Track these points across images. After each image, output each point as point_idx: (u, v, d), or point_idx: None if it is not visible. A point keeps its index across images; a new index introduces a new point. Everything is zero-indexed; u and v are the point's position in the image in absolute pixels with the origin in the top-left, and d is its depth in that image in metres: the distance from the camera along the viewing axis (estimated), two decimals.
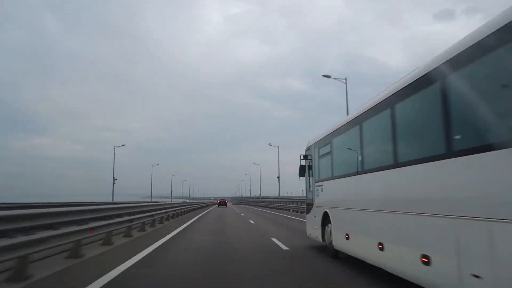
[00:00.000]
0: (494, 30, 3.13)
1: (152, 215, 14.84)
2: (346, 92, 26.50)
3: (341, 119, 7.98)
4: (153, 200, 59.91)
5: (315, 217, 9.03)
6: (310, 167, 9.68)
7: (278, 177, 59.32)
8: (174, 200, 67.29)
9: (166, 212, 18.65)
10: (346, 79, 26.70)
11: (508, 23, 2.96)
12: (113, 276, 5.60)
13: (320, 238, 8.58)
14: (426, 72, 4.20)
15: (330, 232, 7.87)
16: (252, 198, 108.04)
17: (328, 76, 26.88)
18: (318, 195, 8.89)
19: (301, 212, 26.55)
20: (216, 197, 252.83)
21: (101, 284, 5.08)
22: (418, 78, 4.37)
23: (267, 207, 49.47)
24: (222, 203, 71.40)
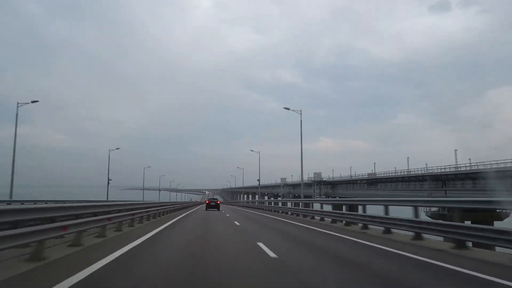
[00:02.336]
0: None
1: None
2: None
3: None
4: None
5: None
6: None
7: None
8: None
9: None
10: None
11: None
12: None
13: None
14: None
15: None
16: (245, 188, 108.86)
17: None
18: None
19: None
20: (204, 189, 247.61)
21: None
22: None
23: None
24: (212, 204, 42.95)
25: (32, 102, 37.10)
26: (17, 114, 35.68)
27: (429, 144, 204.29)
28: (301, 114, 34.52)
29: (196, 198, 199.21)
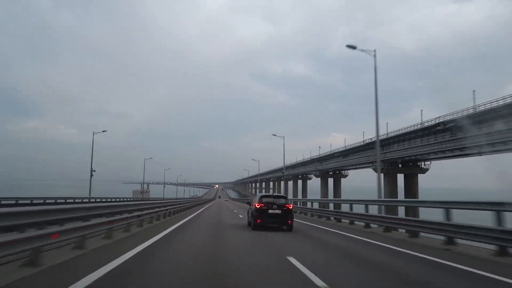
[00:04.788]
0: None
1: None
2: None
3: None
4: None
5: None
6: None
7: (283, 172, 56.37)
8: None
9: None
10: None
11: None
12: None
13: None
14: None
15: None
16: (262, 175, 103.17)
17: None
18: None
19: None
20: (213, 183, 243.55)
21: None
22: None
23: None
24: (272, 213, 13.82)
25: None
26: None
27: None
28: (375, 55, 21.33)
29: (198, 192, 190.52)
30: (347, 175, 79.04)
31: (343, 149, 68.73)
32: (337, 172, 78.39)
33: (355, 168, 71.00)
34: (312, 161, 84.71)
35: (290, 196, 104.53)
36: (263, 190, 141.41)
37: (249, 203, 16.77)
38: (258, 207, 13.71)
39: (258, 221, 13.59)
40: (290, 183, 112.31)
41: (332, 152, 72.90)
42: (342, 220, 20.01)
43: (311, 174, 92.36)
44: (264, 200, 14.11)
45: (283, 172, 70.25)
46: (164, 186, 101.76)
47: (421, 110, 46.54)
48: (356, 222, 17.80)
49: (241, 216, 22.99)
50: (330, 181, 79.93)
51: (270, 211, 13.65)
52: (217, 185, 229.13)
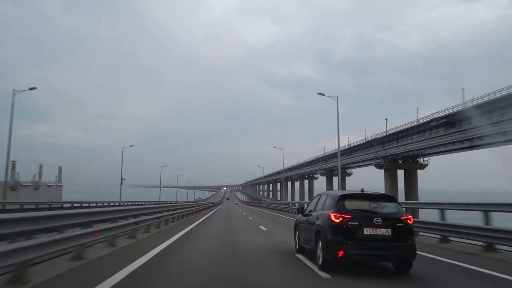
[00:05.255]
0: None
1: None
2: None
3: None
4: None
5: None
6: None
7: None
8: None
9: None
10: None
11: None
12: None
13: None
14: None
15: None
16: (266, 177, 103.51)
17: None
18: None
19: None
20: (222, 186, 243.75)
21: None
22: None
23: None
24: None
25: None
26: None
27: None
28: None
29: (203, 195, 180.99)
30: (351, 173, 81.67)
31: (347, 147, 71.31)
32: (341, 170, 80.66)
33: (359, 166, 73.44)
34: (317, 160, 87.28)
35: (296, 197, 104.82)
36: (271, 193, 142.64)
37: (295, 210, 11.38)
38: (336, 222, 6.62)
39: (340, 253, 6.47)
40: (297, 184, 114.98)
41: (336, 150, 75.27)
42: None
43: (317, 173, 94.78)
44: (349, 205, 6.92)
45: (281, 178, 72.98)
46: (171, 189, 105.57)
47: (417, 108, 49.36)
48: None
49: (263, 228, 17.27)
50: (335, 180, 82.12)
51: (367, 230, 6.50)
52: (224, 188, 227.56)
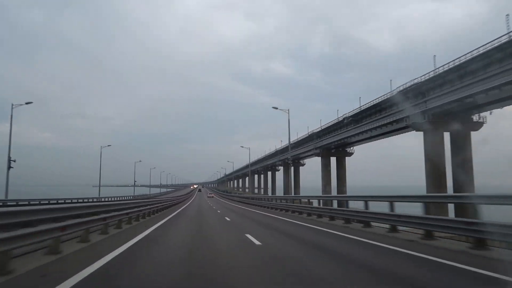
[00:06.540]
0: None
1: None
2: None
3: None
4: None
5: None
6: None
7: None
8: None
9: None
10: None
11: None
12: None
13: None
14: None
15: None
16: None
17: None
18: None
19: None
20: (192, 183, 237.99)
21: None
22: None
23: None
24: None
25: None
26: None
27: None
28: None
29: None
30: (304, 164, 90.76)
31: (296, 140, 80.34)
32: (296, 161, 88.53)
33: (307, 156, 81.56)
34: (276, 153, 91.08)
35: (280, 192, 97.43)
36: (246, 189, 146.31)
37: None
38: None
39: None
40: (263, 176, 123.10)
41: (287, 144, 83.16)
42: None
43: (278, 165, 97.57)
44: None
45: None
46: (150, 189, 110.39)
47: (337, 110, 58.65)
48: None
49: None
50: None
51: None
52: (195, 185, 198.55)
